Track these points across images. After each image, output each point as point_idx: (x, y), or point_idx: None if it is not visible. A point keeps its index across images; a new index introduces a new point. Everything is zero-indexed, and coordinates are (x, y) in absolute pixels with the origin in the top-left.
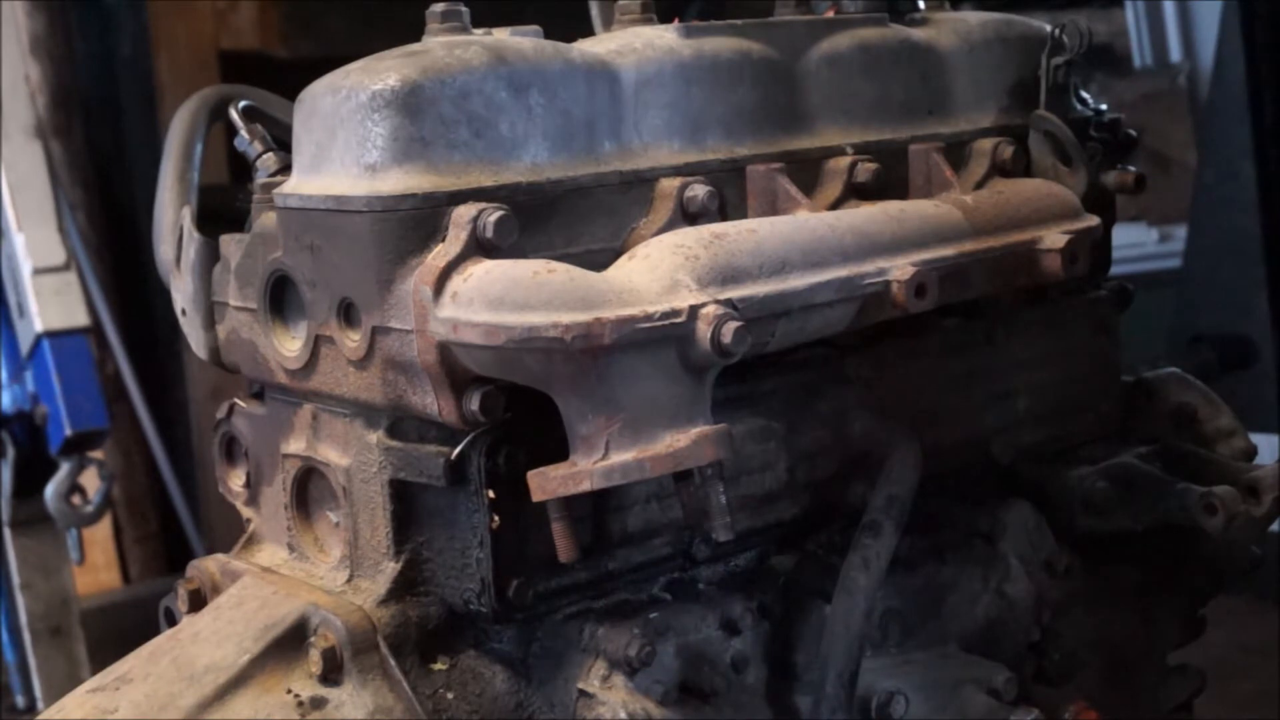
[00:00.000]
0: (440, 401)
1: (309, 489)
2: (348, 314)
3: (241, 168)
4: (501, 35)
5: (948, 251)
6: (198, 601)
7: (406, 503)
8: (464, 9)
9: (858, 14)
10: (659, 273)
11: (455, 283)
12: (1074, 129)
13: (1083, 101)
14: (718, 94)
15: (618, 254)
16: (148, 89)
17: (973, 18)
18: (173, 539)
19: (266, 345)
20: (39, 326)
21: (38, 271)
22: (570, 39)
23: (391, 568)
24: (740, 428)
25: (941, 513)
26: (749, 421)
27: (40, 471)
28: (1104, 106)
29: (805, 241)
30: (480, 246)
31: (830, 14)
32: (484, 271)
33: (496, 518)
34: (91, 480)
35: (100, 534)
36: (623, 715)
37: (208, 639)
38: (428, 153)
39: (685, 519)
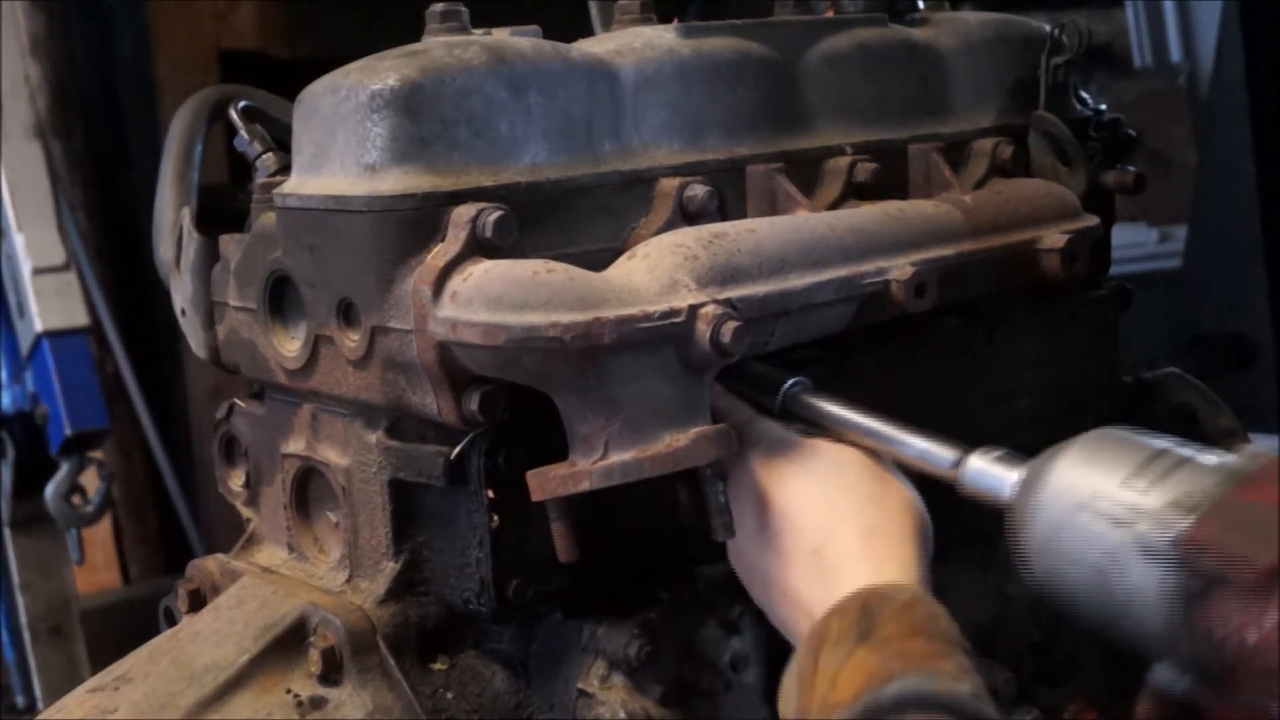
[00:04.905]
0: (440, 401)
1: (308, 489)
2: (347, 314)
3: (241, 168)
4: (501, 35)
5: (947, 251)
6: (198, 601)
7: (406, 503)
8: (464, 9)
9: (857, 14)
10: (658, 272)
11: (455, 282)
12: (1074, 129)
13: (1083, 101)
14: (717, 94)
15: (617, 254)
16: (148, 89)
17: (972, 18)
18: (173, 539)
19: (266, 345)
20: (39, 326)
21: (38, 271)
22: (570, 39)
23: (391, 567)
24: None
25: (942, 513)
26: None
27: (40, 471)
28: (1104, 106)
29: (805, 241)
30: (480, 246)
31: (830, 14)
32: (483, 271)
33: (496, 517)
34: (91, 480)
35: (100, 534)
36: (622, 715)
37: (207, 639)
38: (427, 153)
39: (684, 519)
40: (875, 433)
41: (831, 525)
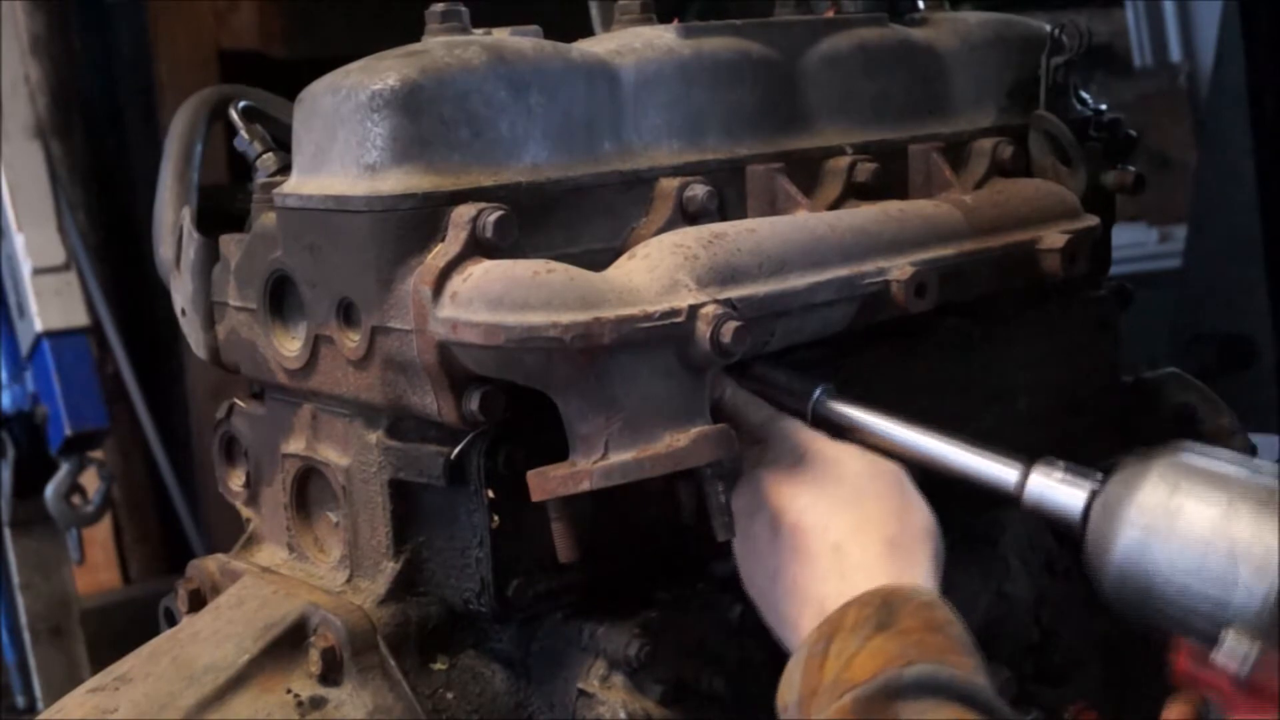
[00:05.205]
0: (440, 401)
1: (309, 489)
2: (347, 314)
3: (241, 168)
4: (501, 35)
5: (947, 251)
6: (198, 601)
7: (406, 502)
8: (464, 9)
9: (857, 14)
10: (658, 272)
11: (455, 282)
12: (1074, 129)
13: (1083, 101)
14: (717, 94)
15: (617, 254)
16: (148, 89)
17: (972, 18)
18: (173, 539)
19: (266, 345)
20: (39, 326)
21: (38, 271)
22: (570, 39)
23: (391, 567)
24: None
25: (941, 513)
26: None
27: (40, 471)
28: (1104, 106)
29: (805, 241)
30: (480, 246)
31: (830, 14)
32: (483, 271)
33: (496, 517)
34: (91, 480)
35: (100, 534)
36: (623, 715)
37: (207, 639)
38: (427, 152)
39: (685, 518)
40: (918, 443)
41: (857, 527)
